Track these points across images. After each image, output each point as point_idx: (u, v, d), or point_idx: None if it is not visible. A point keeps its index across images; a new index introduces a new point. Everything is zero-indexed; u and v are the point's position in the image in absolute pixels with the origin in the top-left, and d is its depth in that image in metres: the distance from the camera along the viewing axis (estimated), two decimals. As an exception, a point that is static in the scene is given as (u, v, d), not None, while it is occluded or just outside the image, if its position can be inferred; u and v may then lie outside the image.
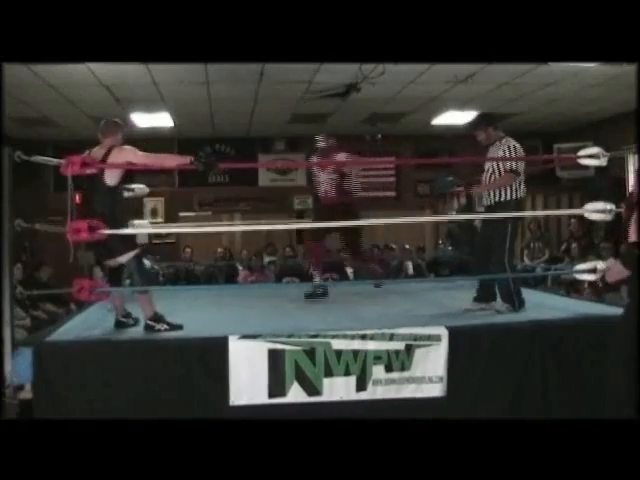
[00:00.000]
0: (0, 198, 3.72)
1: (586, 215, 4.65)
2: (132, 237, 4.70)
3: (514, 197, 5.05)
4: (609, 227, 9.70)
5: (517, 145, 5.10)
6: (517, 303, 4.99)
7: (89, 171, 4.30)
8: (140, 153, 4.50)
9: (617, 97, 9.53)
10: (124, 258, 4.50)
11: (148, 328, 4.48)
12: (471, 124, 5.47)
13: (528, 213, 5.46)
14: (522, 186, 5.11)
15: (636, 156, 9.87)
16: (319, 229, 6.20)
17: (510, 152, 5.04)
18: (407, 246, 12.00)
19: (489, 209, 5.14)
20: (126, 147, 4.53)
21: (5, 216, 3.78)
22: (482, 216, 5.34)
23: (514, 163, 5.02)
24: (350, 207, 6.31)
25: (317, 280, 6.53)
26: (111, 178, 4.46)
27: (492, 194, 5.10)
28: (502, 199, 5.05)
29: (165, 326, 4.47)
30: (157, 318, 4.50)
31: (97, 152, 4.52)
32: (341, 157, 6.33)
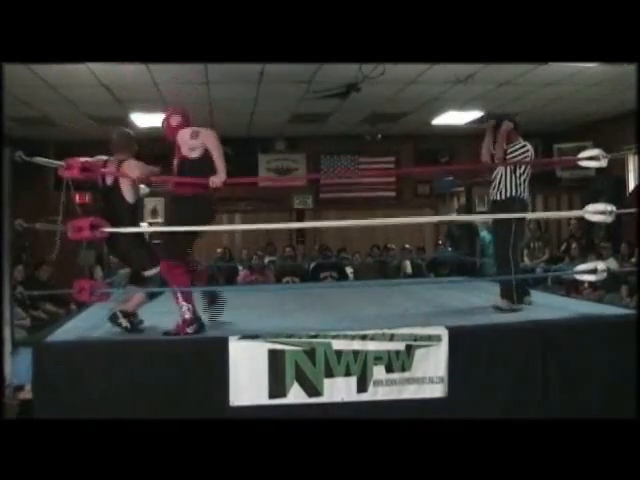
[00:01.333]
0: (0, 198, 3.72)
1: (587, 217, 4.66)
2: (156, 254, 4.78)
3: (520, 195, 5.29)
4: (609, 227, 9.72)
5: (531, 150, 5.38)
6: (516, 299, 5.07)
7: (88, 175, 4.33)
8: (146, 169, 4.65)
9: (617, 97, 9.53)
10: (151, 272, 4.61)
11: (112, 318, 4.51)
12: (495, 122, 5.68)
13: (529, 215, 5.57)
14: (527, 187, 5.35)
15: (636, 156, 9.93)
16: (176, 239, 4.68)
17: (522, 151, 5.33)
18: (407, 246, 12.01)
19: (495, 204, 5.36)
20: (133, 162, 4.61)
21: (5, 216, 3.78)
22: (482, 217, 5.43)
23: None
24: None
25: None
26: (129, 194, 4.57)
27: (500, 191, 5.31)
28: (509, 195, 5.27)
29: (127, 324, 4.51)
30: (128, 315, 4.55)
31: (110, 166, 4.61)
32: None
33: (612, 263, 8.40)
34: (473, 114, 11.14)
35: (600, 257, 7.74)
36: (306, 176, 13.74)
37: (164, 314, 5.07)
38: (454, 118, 11.43)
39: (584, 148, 4.91)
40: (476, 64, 7.78)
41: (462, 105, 10.50)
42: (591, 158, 4.68)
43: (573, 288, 8.91)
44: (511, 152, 5.33)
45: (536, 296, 5.76)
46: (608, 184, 10.76)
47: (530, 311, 4.99)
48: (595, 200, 4.89)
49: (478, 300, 5.61)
